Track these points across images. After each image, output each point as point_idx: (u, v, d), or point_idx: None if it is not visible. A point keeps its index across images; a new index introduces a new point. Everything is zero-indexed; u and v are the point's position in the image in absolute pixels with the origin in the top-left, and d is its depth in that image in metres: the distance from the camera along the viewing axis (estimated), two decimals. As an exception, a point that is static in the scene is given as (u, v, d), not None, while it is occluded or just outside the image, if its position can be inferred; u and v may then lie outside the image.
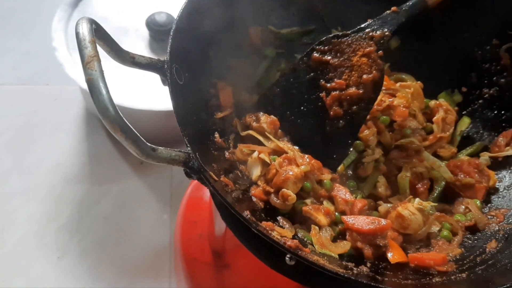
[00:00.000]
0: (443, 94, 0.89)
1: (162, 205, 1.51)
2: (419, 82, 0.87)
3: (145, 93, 1.35)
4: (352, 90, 0.74)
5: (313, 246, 0.66)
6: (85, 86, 1.37)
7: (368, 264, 0.65)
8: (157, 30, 1.43)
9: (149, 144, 0.55)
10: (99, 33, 0.57)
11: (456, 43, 0.88)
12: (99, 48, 0.56)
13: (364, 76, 0.73)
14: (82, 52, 0.52)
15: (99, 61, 0.52)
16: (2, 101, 1.68)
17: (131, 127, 0.52)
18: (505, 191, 0.78)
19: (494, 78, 0.86)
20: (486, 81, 0.87)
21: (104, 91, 0.51)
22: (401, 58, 0.91)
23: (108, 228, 1.46)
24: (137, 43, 1.47)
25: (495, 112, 0.86)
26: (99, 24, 0.57)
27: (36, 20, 1.90)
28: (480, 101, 0.87)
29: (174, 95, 0.65)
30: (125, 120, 0.52)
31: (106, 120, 0.51)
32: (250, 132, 0.77)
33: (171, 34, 0.69)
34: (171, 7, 1.50)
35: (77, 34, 0.53)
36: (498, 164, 0.81)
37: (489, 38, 0.85)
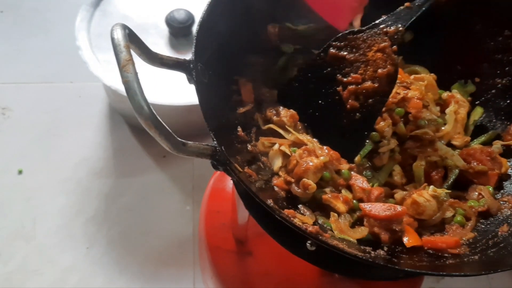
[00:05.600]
0: (457, 85, 0.91)
1: (185, 197, 1.56)
2: (432, 74, 0.90)
3: (166, 89, 1.39)
4: (368, 84, 0.77)
5: (333, 231, 0.70)
6: (108, 83, 1.43)
7: (385, 248, 0.68)
8: (176, 27, 1.47)
9: (179, 139, 0.59)
10: (131, 37, 0.61)
11: (468, 34, 0.90)
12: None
13: (379, 70, 0.76)
14: (118, 57, 0.56)
15: (133, 64, 0.56)
16: (29, 99, 1.75)
17: (164, 124, 0.57)
18: (517, 177, 0.81)
19: (507, 68, 0.87)
20: (498, 71, 0.88)
21: (139, 92, 0.55)
22: (415, 51, 0.93)
23: (133, 219, 1.52)
24: (157, 40, 1.51)
25: (508, 101, 0.87)
26: (131, 29, 0.62)
27: (58, 20, 1.95)
28: (493, 91, 0.89)
29: (200, 93, 0.69)
30: (159, 118, 0.56)
31: (142, 118, 0.55)
32: (271, 125, 0.81)
33: (195, 34, 0.72)
34: (190, 4, 1.54)
35: (112, 39, 0.58)
36: (510, 152, 0.83)
37: (501, 29, 0.87)
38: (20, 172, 1.58)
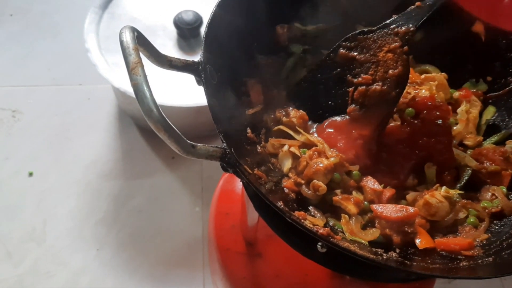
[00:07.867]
0: (468, 84, 0.90)
1: (194, 198, 1.56)
2: (443, 73, 0.89)
3: (175, 90, 1.40)
4: (379, 85, 0.77)
5: (344, 233, 0.69)
6: (117, 85, 1.43)
7: (397, 250, 0.67)
8: (184, 28, 1.48)
9: (189, 142, 0.59)
10: (140, 40, 0.61)
11: (479, 33, 0.89)
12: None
13: (390, 71, 0.75)
14: (127, 59, 0.56)
15: (142, 66, 0.56)
16: (39, 102, 1.76)
17: (173, 126, 0.56)
18: (531, 177, 0.79)
19: (519, 67, 0.86)
20: (511, 70, 0.87)
21: (148, 94, 0.55)
22: (425, 50, 0.92)
23: (143, 221, 1.53)
24: (166, 41, 1.52)
25: (521, 100, 0.87)
26: (139, 31, 0.61)
27: (67, 22, 1.97)
28: (506, 89, 0.88)
29: (209, 95, 0.69)
30: (168, 120, 0.56)
31: (151, 121, 0.55)
32: (281, 127, 0.80)
33: (204, 36, 0.72)
34: (198, 5, 1.54)
35: (121, 42, 0.58)
36: (524, 152, 0.82)
37: (514, 27, 0.86)
38: (30, 174, 1.59)
